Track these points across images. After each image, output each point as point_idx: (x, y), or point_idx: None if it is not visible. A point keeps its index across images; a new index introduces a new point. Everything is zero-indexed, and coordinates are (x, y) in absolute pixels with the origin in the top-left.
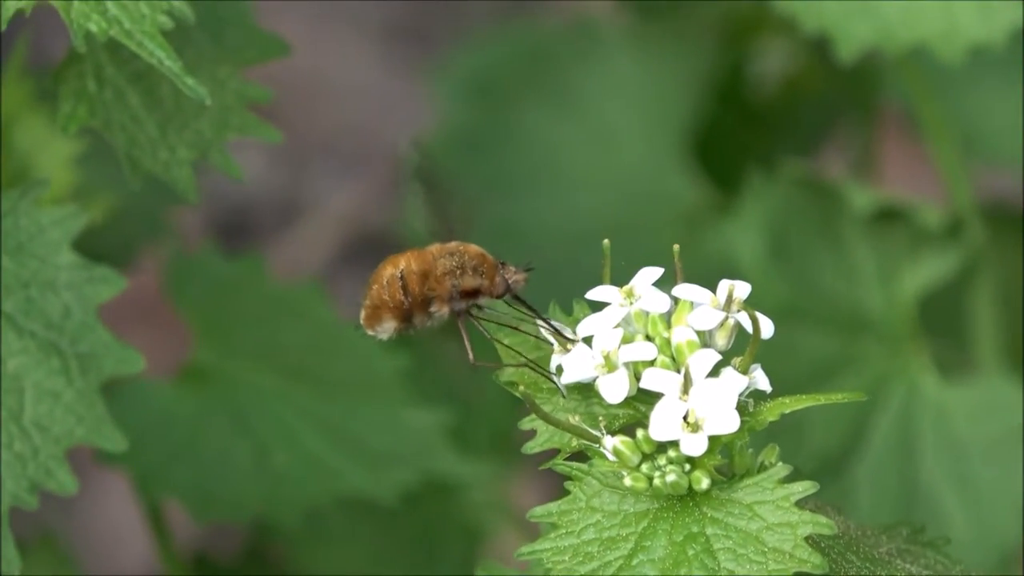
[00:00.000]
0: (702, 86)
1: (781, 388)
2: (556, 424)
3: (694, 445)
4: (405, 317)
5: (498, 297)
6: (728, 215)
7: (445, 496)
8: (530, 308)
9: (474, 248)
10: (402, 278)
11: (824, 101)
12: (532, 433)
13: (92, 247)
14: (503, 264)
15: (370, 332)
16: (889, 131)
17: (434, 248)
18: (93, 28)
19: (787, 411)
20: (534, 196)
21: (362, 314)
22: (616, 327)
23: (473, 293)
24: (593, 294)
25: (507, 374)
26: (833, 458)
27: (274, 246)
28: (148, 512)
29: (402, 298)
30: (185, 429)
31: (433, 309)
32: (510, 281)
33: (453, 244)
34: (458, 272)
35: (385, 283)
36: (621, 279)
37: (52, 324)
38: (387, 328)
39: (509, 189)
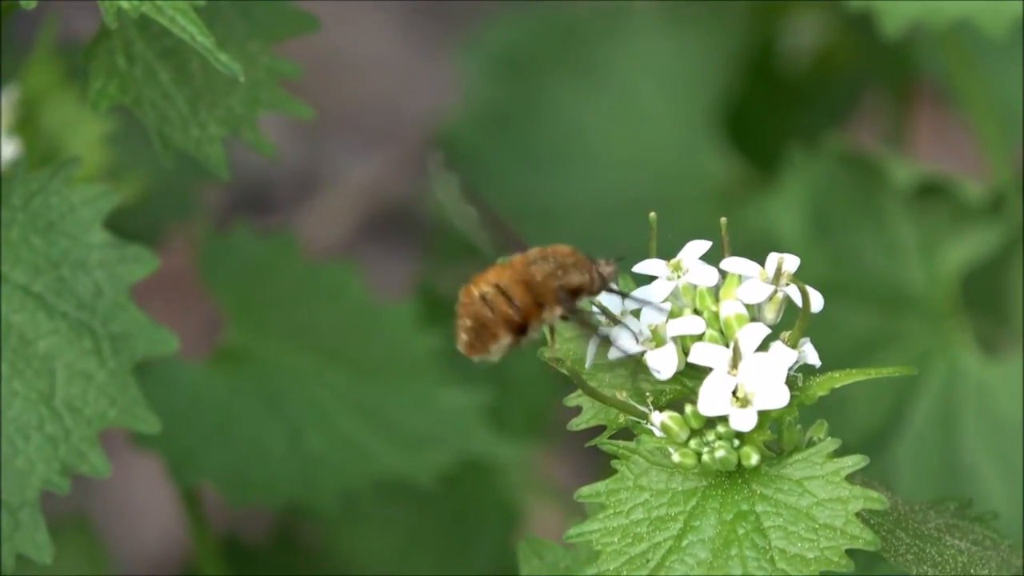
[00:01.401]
0: (733, 61)
1: (823, 365)
2: (603, 400)
3: (743, 420)
4: (519, 329)
5: (597, 292)
6: (768, 191)
7: (482, 476)
8: (624, 296)
9: (563, 248)
10: (504, 292)
11: (855, 76)
12: (571, 411)
13: (121, 227)
14: (593, 259)
15: (479, 356)
16: (920, 105)
17: (518, 259)
18: (124, 5)
19: (837, 385)
20: (563, 173)
21: (464, 340)
22: (664, 301)
23: (578, 291)
24: (640, 267)
25: (552, 350)
26: (874, 436)
27: (294, 221)
28: (182, 494)
29: (511, 311)
30: (218, 411)
31: (545, 315)
32: (605, 275)
33: (536, 250)
34: (560, 273)
35: (487, 301)
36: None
37: (84, 304)
38: (502, 346)
39: (538, 166)
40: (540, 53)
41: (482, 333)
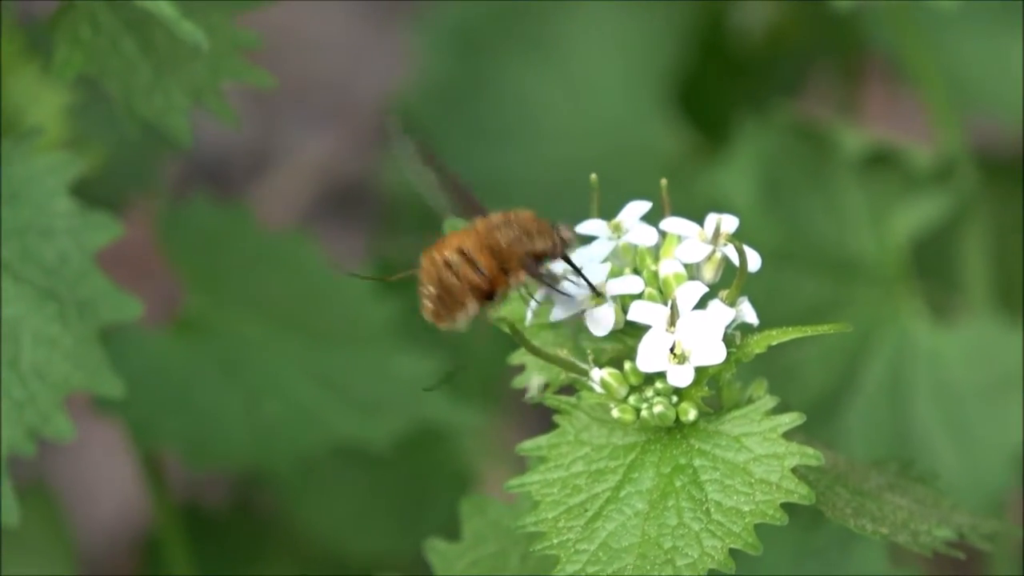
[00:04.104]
0: (684, 36)
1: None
2: (544, 357)
3: (681, 376)
4: (486, 296)
5: (558, 257)
6: (719, 160)
7: (437, 443)
8: (572, 265)
9: (526, 213)
10: (470, 258)
11: (806, 51)
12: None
13: (81, 198)
14: (554, 224)
15: (445, 325)
16: (870, 82)
17: (480, 224)
18: None
19: (774, 343)
20: (515, 148)
21: (429, 309)
22: (604, 261)
23: (542, 256)
24: (581, 228)
25: (531, 313)
26: (825, 403)
27: (248, 199)
28: (143, 461)
29: (477, 278)
30: (177, 379)
31: (511, 281)
32: (566, 239)
33: (499, 215)
34: (525, 239)
35: (452, 268)
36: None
37: (49, 271)
38: (469, 313)
39: (490, 140)
40: (491, 28)
41: (448, 301)
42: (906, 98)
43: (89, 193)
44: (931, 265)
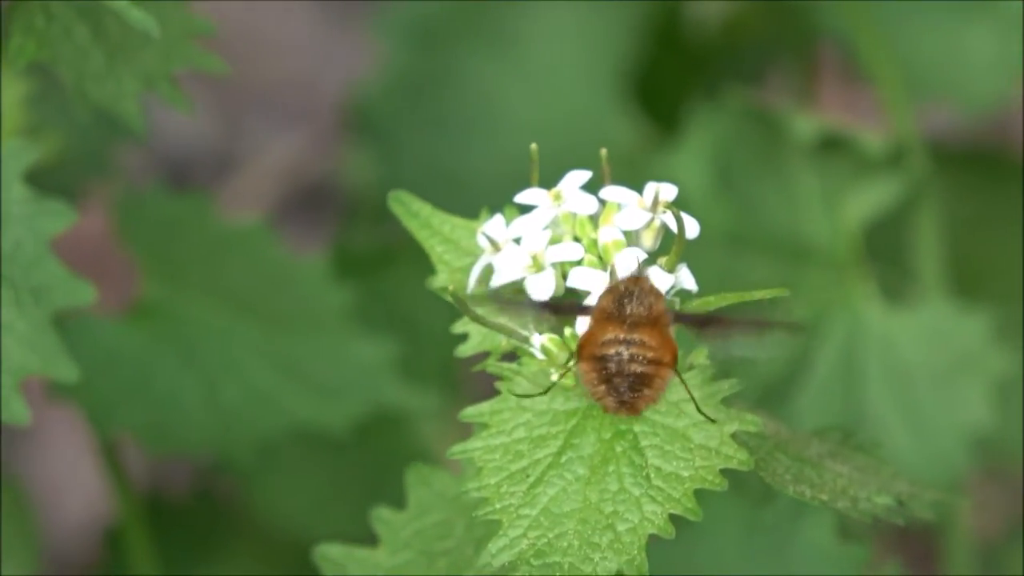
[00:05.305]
0: (641, 29)
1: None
2: (487, 325)
3: None
4: (672, 362)
5: None
6: (672, 145)
7: (397, 427)
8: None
9: (632, 280)
10: (636, 342)
11: (762, 44)
12: (479, 361)
13: (39, 187)
14: (641, 273)
15: (647, 407)
16: (827, 77)
17: (601, 312)
18: None
19: (712, 308)
20: (474, 141)
21: (628, 401)
22: (545, 229)
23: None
24: (522, 197)
25: (440, 280)
26: (778, 387)
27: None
28: (101, 446)
29: (654, 352)
30: (135, 365)
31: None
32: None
33: (607, 297)
34: (654, 297)
35: (623, 359)
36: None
37: (4, 257)
38: (666, 384)
39: (451, 134)
40: (451, 23)
41: (642, 386)
42: (862, 90)
43: (47, 182)
44: (883, 249)
